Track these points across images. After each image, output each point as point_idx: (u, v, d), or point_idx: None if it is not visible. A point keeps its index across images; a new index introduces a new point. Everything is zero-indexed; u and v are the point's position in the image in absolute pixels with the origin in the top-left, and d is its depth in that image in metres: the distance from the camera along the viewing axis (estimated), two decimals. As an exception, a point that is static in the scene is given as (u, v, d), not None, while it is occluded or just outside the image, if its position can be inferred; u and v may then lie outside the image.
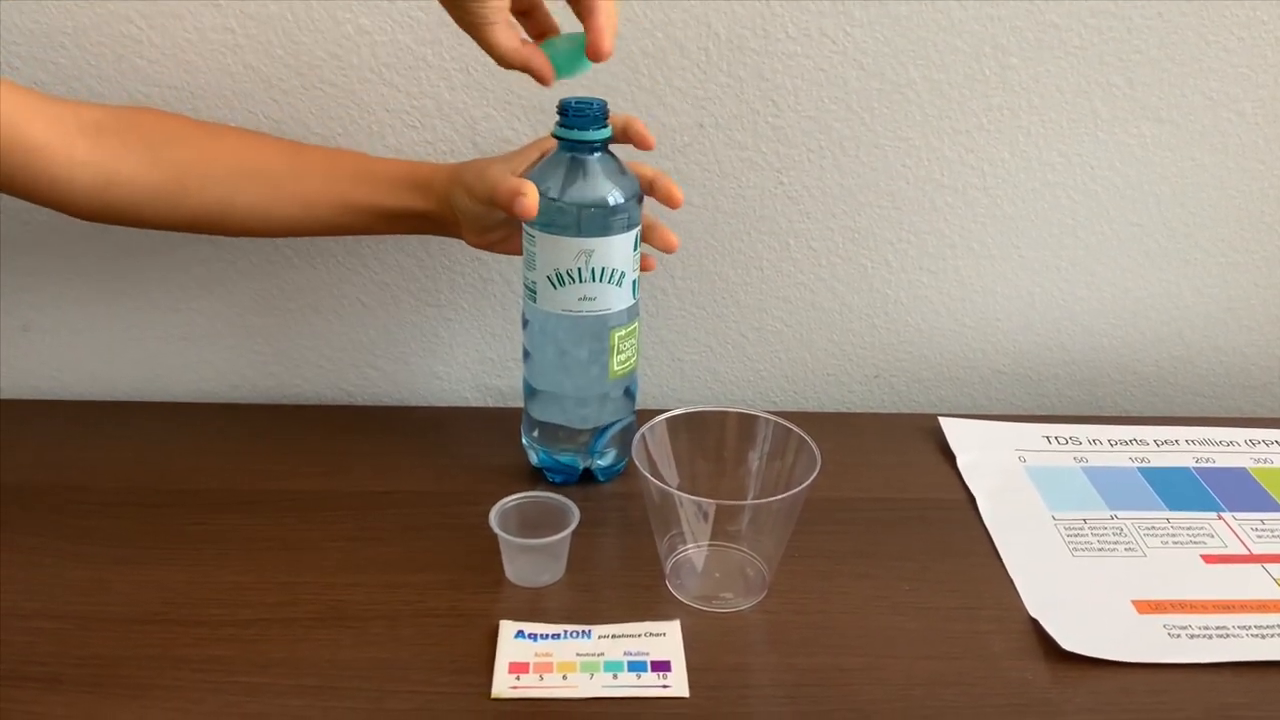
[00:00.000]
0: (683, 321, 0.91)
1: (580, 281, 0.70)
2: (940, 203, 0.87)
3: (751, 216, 0.87)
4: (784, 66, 0.82)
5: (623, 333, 0.73)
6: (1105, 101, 0.85)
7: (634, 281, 0.73)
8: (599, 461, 0.76)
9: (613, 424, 0.75)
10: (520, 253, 0.74)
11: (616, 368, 0.73)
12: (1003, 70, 0.83)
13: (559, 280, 0.71)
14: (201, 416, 0.87)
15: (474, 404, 0.94)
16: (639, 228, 0.73)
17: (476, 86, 0.82)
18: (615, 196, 0.70)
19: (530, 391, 0.76)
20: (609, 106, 0.71)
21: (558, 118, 0.70)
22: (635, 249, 0.73)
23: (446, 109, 0.82)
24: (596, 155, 0.71)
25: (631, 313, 0.74)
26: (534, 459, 0.77)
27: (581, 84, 0.81)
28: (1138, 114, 0.85)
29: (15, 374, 0.91)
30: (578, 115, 0.70)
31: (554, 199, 0.70)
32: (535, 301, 0.72)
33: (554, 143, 0.72)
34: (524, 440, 0.78)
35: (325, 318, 0.90)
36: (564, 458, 0.76)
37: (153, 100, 0.81)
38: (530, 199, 0.68)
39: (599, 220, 0.70)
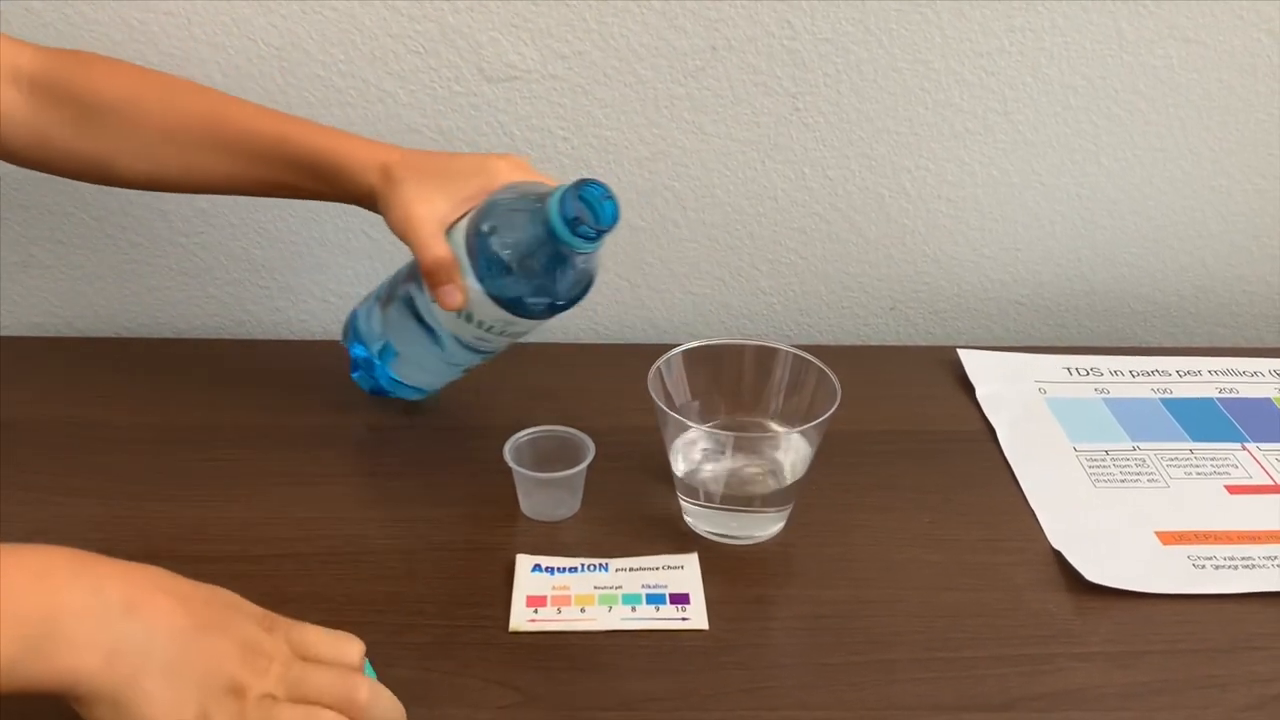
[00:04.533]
0: (695, 254, 0.89)
1: (487, 331, 0.66)
2: (960, 129, 0.85)
3: (766, 144, 0.85)
4: (801, -14, 0.79)
5: (478, 365, 0.72)
6: (1131, 22, 0.82)
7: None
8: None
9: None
10: None
11: (434, 388, 0.74)
12: (1027, -11, 0.80)
13: (467, 319, 0.65)
14: (206, 352, 0.86)
15: (483, 339, 0.92)
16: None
17: (481, 9, 0.79)
18: (571, 298, 0.65)
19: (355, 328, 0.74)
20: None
21: (564, 191, 0.60)
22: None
23: (450, 33, 0.80)
24: (580, 256, 0.63)
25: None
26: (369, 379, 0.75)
27: (589, 36, 0.79)
28: (1164, 35, 0.83)
29: (16, 311, 0.90)
30: (588, 219, 0.60)
31: (510, 273, 0.63)
32: (430, 306, 0.66)
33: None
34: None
35: (331, 251, 0.88)
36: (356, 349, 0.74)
37: (146, 24, 0.78)
38: (458, 298, 0.63)
39: (543, 313, 0.65)
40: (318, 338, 0.92)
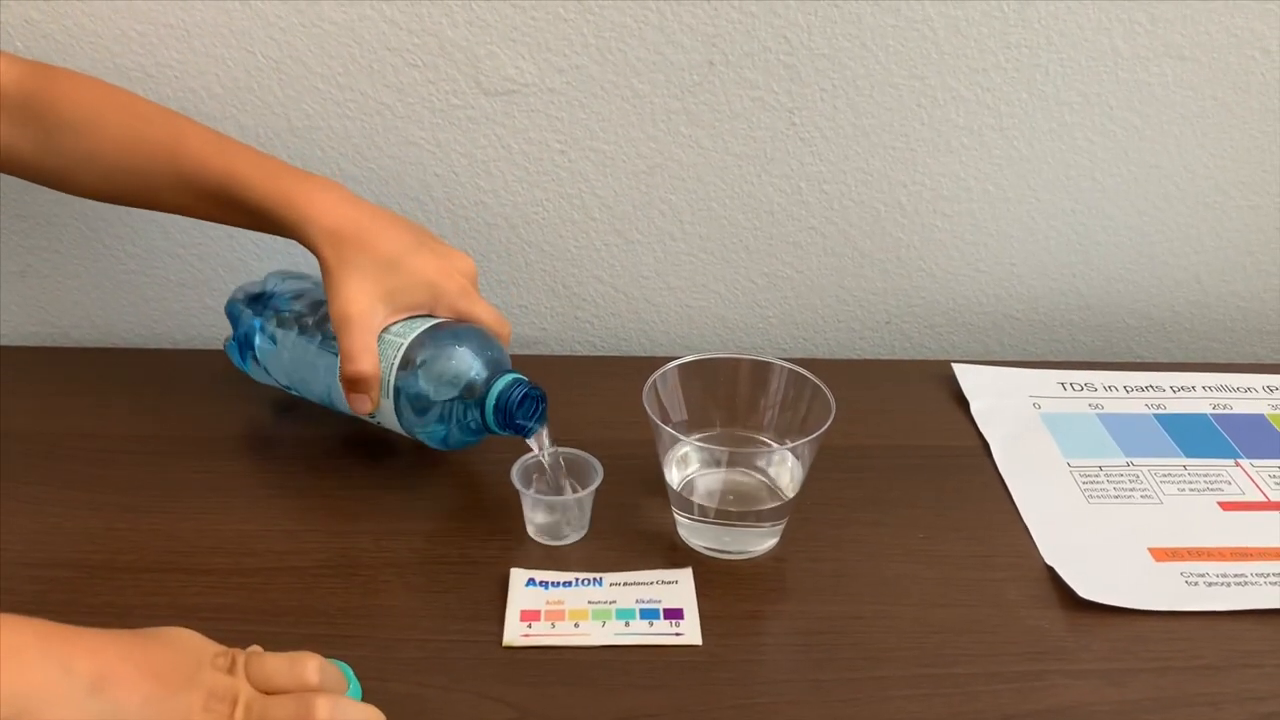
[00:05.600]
0: (691, 268, 0.90)
1: (379, 426, 0.69)
2: (956, 144, 0.85)
3: (762, 158, 0.85)
4: (797, 2, 0.80)
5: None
6: (1126, 39, 0.82)
7: None
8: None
9: None
10: None
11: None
12: (1021, 7, 0.80)
13: (376, 408, 0.67)
14: (204, 363, 0.86)
15: (480, 351, 0.92)
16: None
17: (479, 23, 0.79)
18: (477, 440, 0.69)
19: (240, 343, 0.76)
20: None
21: (501, 388, 0.64)
22: None
23: (448, 46, 0.80)
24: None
25: None
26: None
27: (587, 50, 0.79)
28: (1159, 52, 0.83)
29: (13, 320, 0.90)
30: (510, 426, 0.65)
31: (429, 413, 0.66)
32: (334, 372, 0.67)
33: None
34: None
35: (328, 263, 0.88)
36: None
37: (145, 35, 0.79)
38: (369, 407, 0.66)
39: (440, 442, 0.68)
40: (314, 349, 0.92)
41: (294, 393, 0.75)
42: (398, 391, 0.66)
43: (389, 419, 0.67)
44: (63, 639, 0.47)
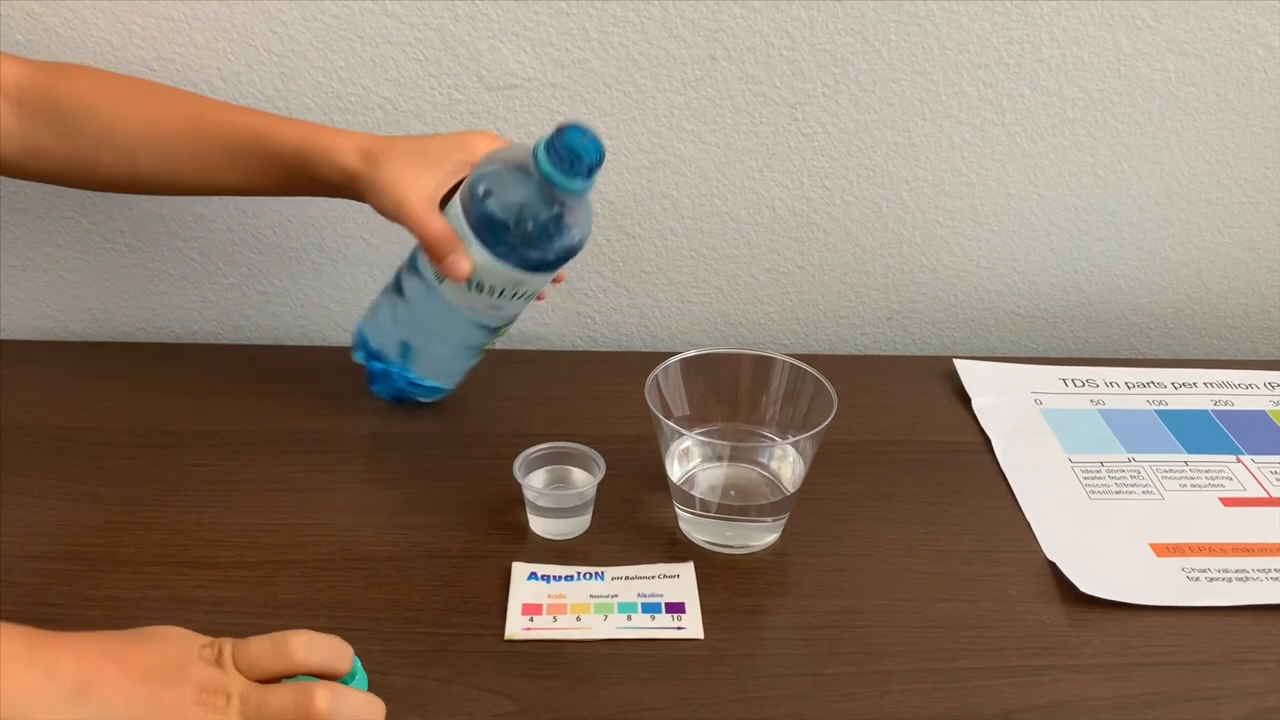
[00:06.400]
0: (692, 263, 0.89)
1: (499, 297, 0.67)
2: (958, 140, 0.85)
3: (764, 154, 0.85)
4: (800, -3, 0.80)
5: (509, 327, 0.72)
6: (1129, 35, 0.82)
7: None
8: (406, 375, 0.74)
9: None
10: None
11: (484, 350, 0.74)
12: (1024, 3, 0.80)
13: (478, 288, 0.67)
14: (204, 357, 0.86)
15: (481, 345, 0.92)
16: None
17: (481, 17, 0.79)
18: (569, 240, 0.66)
19: (378, 332, 0.73)
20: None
21: (548, 141, 0.62)
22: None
23: (450, 40, 0.80)
24: (575, 199, 0.64)
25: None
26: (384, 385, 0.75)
27: (590, 45, 0.79)
28: (1162, 48, 0.83)
29: (14, 314, 0.90)
30: (575, 160, 0.62)
31: (508, 216, 0.64)
32: (439, 285, 0.67)
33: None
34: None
35: (329, 256, 0.88)
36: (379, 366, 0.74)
37: (147, 29, 0.79)
38: (465, 265, 0.65)
39: (553, 263, 0.67)
40: (315, 344, 0.92)
41: (441, 387, 0.74)
42: (483, 228, 0.64)
43: (488, 270, 0.65)
44: (48, 645, 0.47)
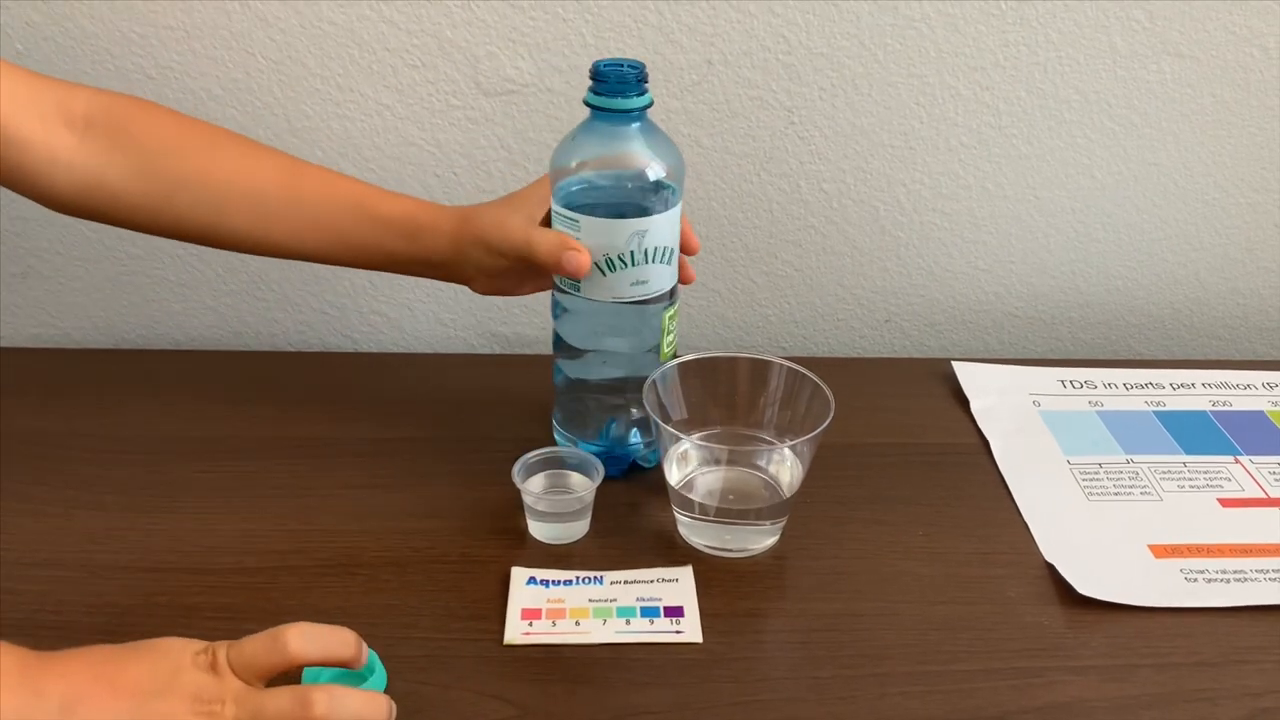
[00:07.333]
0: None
1: (633, 265, 0.65)
2: (954, 142, 0.86)
3: (761, 157, 0.85)
4: (795, 1, 0.80)
5: (670, 313, 0.69)
6: (1124, 36, 0.82)
7: (677, 258, 0.68)
8: (637, 450, 0.71)
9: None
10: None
11: (666, 350, 0.69)
12: (1019, 5, 0.81)
13: (609, 266, 0.65)
14: (204, 363, 0.86)
15: (480, 350, 0.93)
16: (680, 199, 0.66)
17: (479, 24, 0.80)
18: (659, 170, 0.65)
19: (566, 383, 0.71)
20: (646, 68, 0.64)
21: (590, 83, 0.63)
22: (678, 223, 0.67)
23: (448, 47, 0.80)
24: (636, 125, 0.64)
25: (675, 291, 0.69)
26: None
27: (586, 50, 0.79)
28: (1157, 49, 0.83)
29: (15, 321, 0.90)
30: (617, 81, 0.62)
31: (593, 177, 0.65)
32: (579, 292, 0.66)
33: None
34: (556, 435, 0.74)
35: (328, 263, 0.88)
36: (594, 446, 0.71)
37: (146, 38, 0.79)
38: (584, 256, 0.64)
39: (646, 197, 0.65)
40: (314, 349, 0.92)
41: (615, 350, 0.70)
42: (563, 194, 0.65)
43: (600, 235, 0.64)
44: (36, 664, 0.47)
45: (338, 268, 0.88)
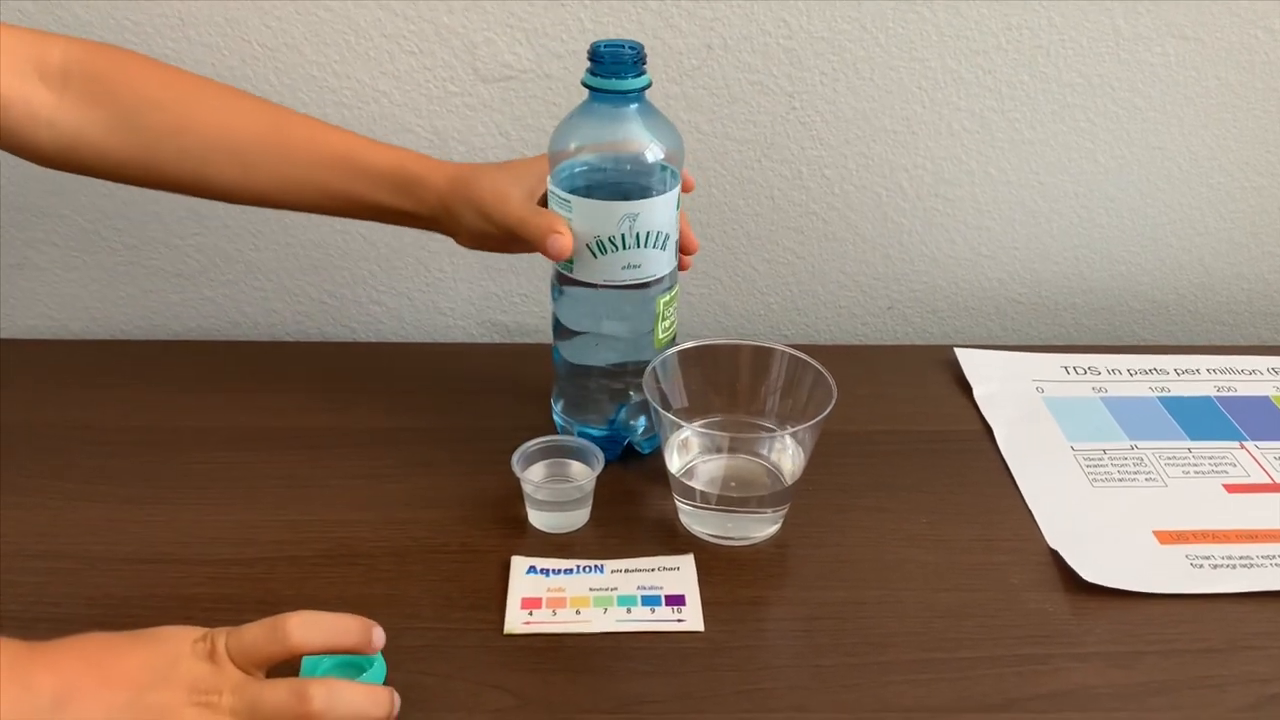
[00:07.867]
0: (692, 253, 0.89)
1: (624, 248, 0.64)
2: (957, 127, 0.85)
3: (762, 143, 0.85)
4: (796, -15, 0.79)
5: (667, 299, 0.68)
6: (1128, 18, 0.82)
7: (675, 243, 0.67)
8: (637, 434, 0.71)
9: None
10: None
11: (661, 335, 0.69)
12: (1023, -13, 0.80)
13: (600, 249, 0.64)
14: (202, 354, 0.86)
15: (479, 340, 0.92)
16: (680, 184, 0.66)
17: (476, 9, 0.79)
18: (656, 152, 0.65)
19: (565, 366, 0.71)
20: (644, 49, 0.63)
21: (588, 64, 0.63)
22: (677, 208, 0.66)
23: (445, 33, 0.80)
24: (634, 106, 0.64)
25: (673, 276, 0.68)
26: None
27: (585, 35, 0.79)
28: (1161, 31, 0.82)
29: (12, 313, 0.89)
30: (614, 62, 0.62)
31: (589, 159, 0.64)
32: (571, 272, 0.66)
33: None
34: (555, 418, 0.73)
35: (327, 252, 0.88)
36: (595, 430, 0.71)
37: (141, 25, 0.78)
38: (566, 240, 0.63)
39: (641, 180, 0.65)
40: (313, 339, 0.92)
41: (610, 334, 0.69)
42: (567, 184, 0.65)
43: (590, 217, 0.64)
44: (27, 657, 0.47)
45: (336, 264, 0.88)
